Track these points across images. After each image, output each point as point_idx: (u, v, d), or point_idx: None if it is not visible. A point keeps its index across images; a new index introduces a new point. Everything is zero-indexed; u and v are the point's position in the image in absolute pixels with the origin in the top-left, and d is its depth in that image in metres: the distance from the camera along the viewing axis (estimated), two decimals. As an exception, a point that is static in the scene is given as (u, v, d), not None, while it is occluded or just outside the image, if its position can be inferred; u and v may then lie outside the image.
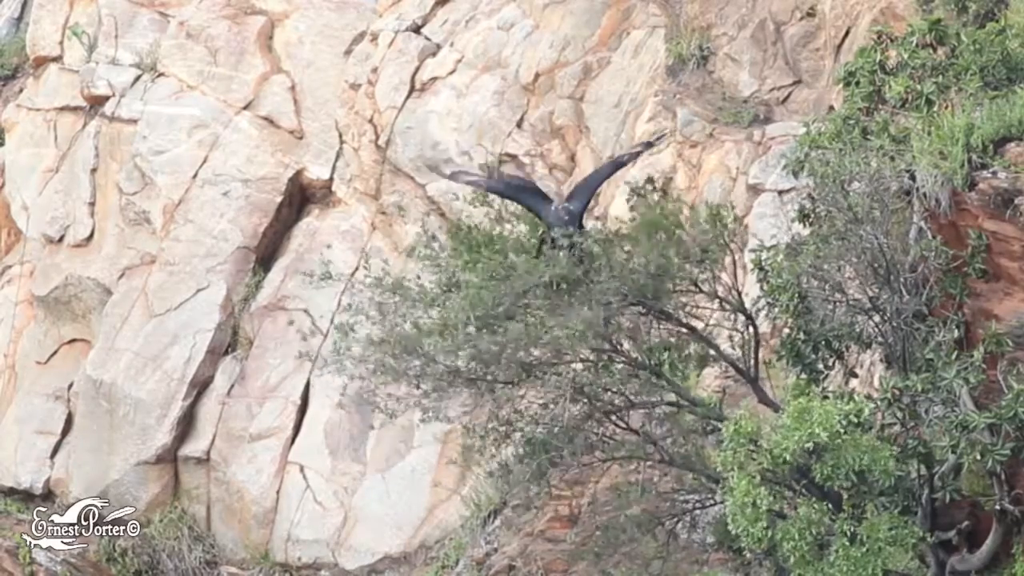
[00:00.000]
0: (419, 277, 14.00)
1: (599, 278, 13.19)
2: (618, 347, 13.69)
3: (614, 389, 13.82)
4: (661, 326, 13.82)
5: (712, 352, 14.02)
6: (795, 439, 11.94)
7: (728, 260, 13.78)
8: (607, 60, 20.64)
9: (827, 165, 13.33)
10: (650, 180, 14.22)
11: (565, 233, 13.41)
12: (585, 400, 13.72)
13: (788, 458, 12.02)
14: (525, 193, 14.15)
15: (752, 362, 14.03)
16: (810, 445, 11.97)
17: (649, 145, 15.80)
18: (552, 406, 13.63)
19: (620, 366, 13.76)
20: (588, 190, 14.24)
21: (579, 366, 13.58)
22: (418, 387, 13.54)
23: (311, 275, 15.10)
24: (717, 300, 13.87)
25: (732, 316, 13.99)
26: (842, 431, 11.97)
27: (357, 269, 21.05)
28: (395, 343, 13.51)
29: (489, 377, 13.52)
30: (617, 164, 14.95)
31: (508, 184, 14.43)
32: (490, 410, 13.80)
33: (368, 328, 13.79)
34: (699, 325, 14.04)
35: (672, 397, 13.96)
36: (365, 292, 13.98)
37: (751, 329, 13.97)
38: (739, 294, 13.94)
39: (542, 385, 13.61)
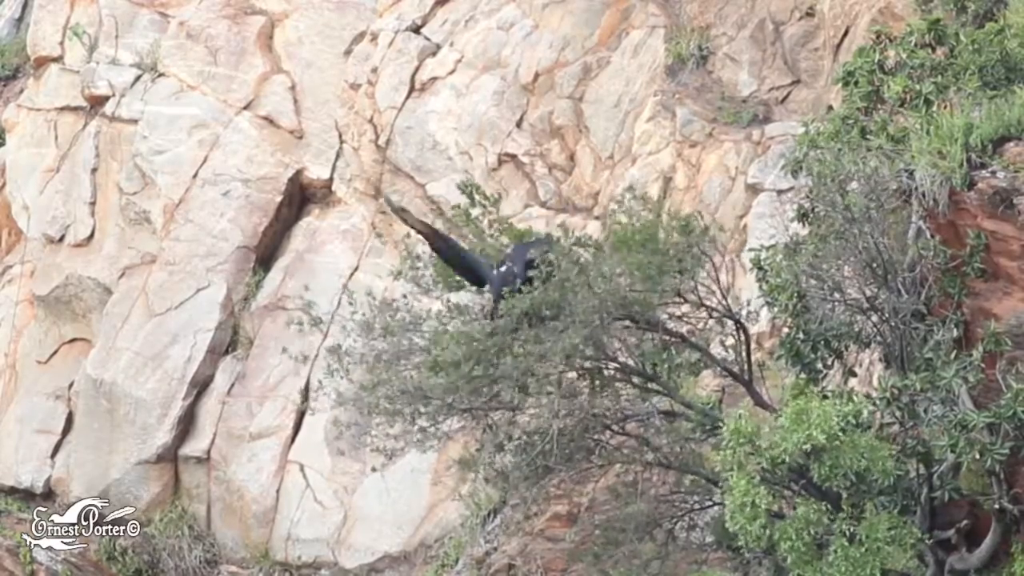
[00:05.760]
0: (405, 297, 13.99)
1: (578, 299, 13.16)
2: (611, 356, 13.69)
3: (609, 401, 13.84)
4: (652, 336, 13.81)
5: (705, 358, 14.00)
6: (793, 440, 11.96)
7: (709, 267, 13.76)
8: (607, 60, 20.66)
9: (825, 165, 13.34)
10: (631, 188, 14.12)
11: (511, 290, 13.33)
12: (580, 414, 13.73)
13: (786, 459, 12.04)
14: (464, 261, 13.94)
15: (745, 365, 14.04)
16: (808, 447, 11.98)
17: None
18: (548, 422, 13.64)
19: (613, 373, 13.76)
20: (521, 258, 13.96)
21: (572, 375, 13.59)
22: (413, 423, 13.56)
23: (300, 323, 15.04)
24: (703, 308, 13.86)
25: (722, 322, 14.00)
26: (840, 433, 11.98)
27: (357, 269, 21.08)
28: (388, 384, 13.51)
29: (484, 404, 13.55)
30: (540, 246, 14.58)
31: (451, 247, 14.08)
32: (486, 427, 13.84)
33: (360, 368, 13.79)
34: (690, 331, 14.04)
35: (667, 404, 13.96)
36: (353, 336, 13.93)
37: (742, 334, 13.97)
38: (726, 299, 13.94)
39: (537, 406, 13.63)
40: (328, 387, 14.02)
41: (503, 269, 13.64)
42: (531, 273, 13.43)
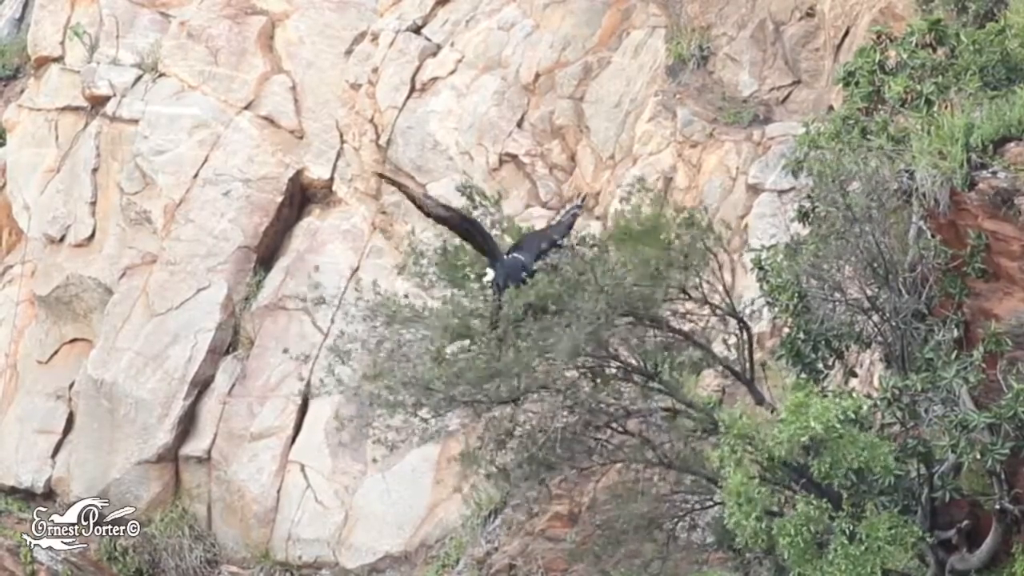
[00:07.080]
0: (407, 297, 13.97)
1: (585, 295, 13.14)
2: (613, 354, 13.68)
3: (611, 399, 13.83)
4: (655, 333, 13.80)
5: (707, 357, 14.00)
6: (790, 431, 11.94)
7: (714, 264, 13.76)
8: (607, 60, 20.67)
9: (826, 165, 13.35)
10: (641, 180, 14.15)
11: (517, 282, 13.25)
12: (582, 410, 13.72)
13: (783, 452, 12.02)
14: (478, 235, 13.76)
15: (747, 364, 14.04)
16: (806, 439, 11.97)
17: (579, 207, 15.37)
18: (549, 419, 13.63)
19: (615, 371, 13.75)
20: (535, 247, 13.87)
21: (574, 373, 13.57)
22: (415, 415, 13.53)
23: (304, 299, 15.01)
24: (707, 305, 13.86)
25: (724, 320, 13.99)
26: (838, 426, 11.97)
27: (358, 269, 21.08)
28: (390, 375, 13.46)
29: (485, 398, 13.52)
30: (560, 232, 14.44)
31: (464, 218, 13.80)
32: (487, 422, 13.83)
33: (362, 357, 13.73)
34: (693, 329, 14.04)
35: (668, 402, 13.96)
36: (357, 322, 13.87)
37: (744, 333, 13.97)
38: (730, 297, 13.94)
39: (539, 400, 13.61)
40: (329, 381, 13.97)
41: (512, 257, 13.57)
42: (538, 265, 13.40)
